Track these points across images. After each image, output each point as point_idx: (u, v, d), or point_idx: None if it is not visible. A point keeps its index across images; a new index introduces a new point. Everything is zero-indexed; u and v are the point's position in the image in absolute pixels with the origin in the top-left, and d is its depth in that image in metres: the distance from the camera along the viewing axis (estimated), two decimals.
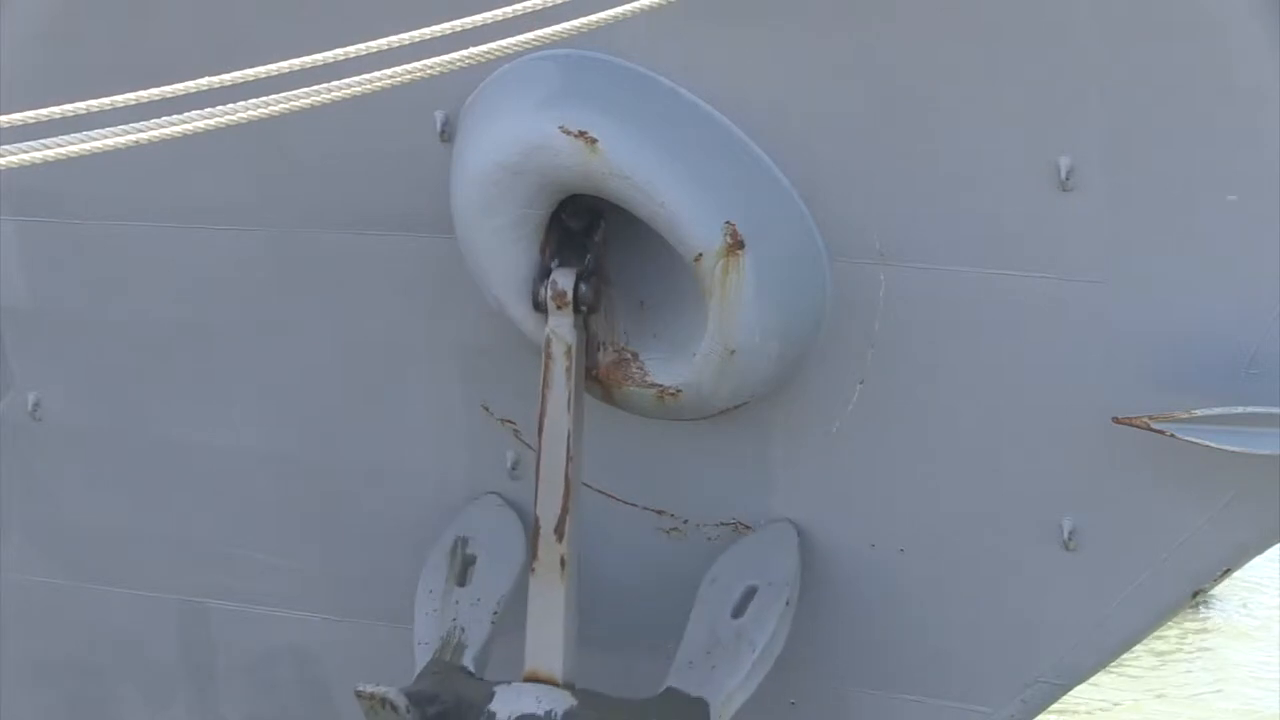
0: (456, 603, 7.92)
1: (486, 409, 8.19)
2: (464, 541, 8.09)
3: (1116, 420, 7.11)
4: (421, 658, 7.82)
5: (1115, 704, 14.84)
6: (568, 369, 7.45)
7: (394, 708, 7.29)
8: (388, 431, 8.37)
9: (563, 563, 7.50)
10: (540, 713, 7.39)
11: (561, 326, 7.45)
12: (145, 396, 8.77)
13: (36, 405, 8.97)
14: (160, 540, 8.90)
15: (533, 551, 7.58)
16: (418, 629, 7.91)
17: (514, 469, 8.17)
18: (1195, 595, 7.60)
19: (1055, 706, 7.92)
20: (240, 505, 8.72)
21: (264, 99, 4.63)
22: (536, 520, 7.55)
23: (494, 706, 7.42)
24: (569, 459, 7.47)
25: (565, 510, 7.47)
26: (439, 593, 7.95)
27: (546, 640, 7.53)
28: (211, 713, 9.02)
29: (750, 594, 7.72)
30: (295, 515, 8.65)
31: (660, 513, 8.06)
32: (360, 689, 7.33)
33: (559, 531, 7.49)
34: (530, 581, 7.58)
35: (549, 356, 7.45)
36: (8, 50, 8.26)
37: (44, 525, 9.12)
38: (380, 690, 7.31)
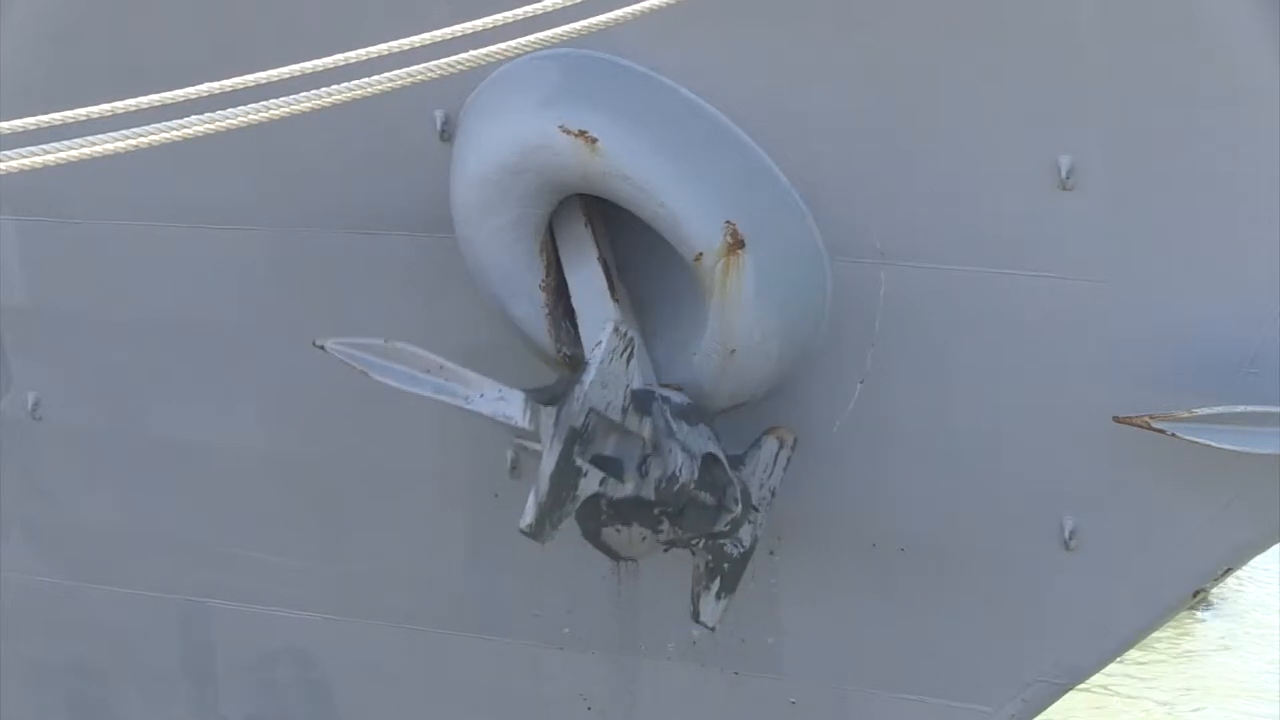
0: None
1: None
2: None
3: (1117, 420, 7.12)
4: None
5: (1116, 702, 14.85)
6: None
7: None
8: (388, 431, 8.37)
9: None
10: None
11: None
12: (145, 396, 8.78)
13: (36, 405, 8.98)
14: (160, 540, 8.91)
15: None
16: None
17: (514, 469, 8.17)
18: (1195, 595, 7.60)
19: (1056, 706, 7.94)
20: (240, 505, 8.73)
21: (264, 103, 4.63)
22: None
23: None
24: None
25: None
26: None
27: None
28: (211, 713, 9.03)
29: None
30: (295, 515, 8.65)
31: None
32: None
33: None
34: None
35: None
36: (8, 52, 8.27)
37: (44, 525, 9.12)
38: None
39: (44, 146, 4.28)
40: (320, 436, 8.50)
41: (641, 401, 7.28)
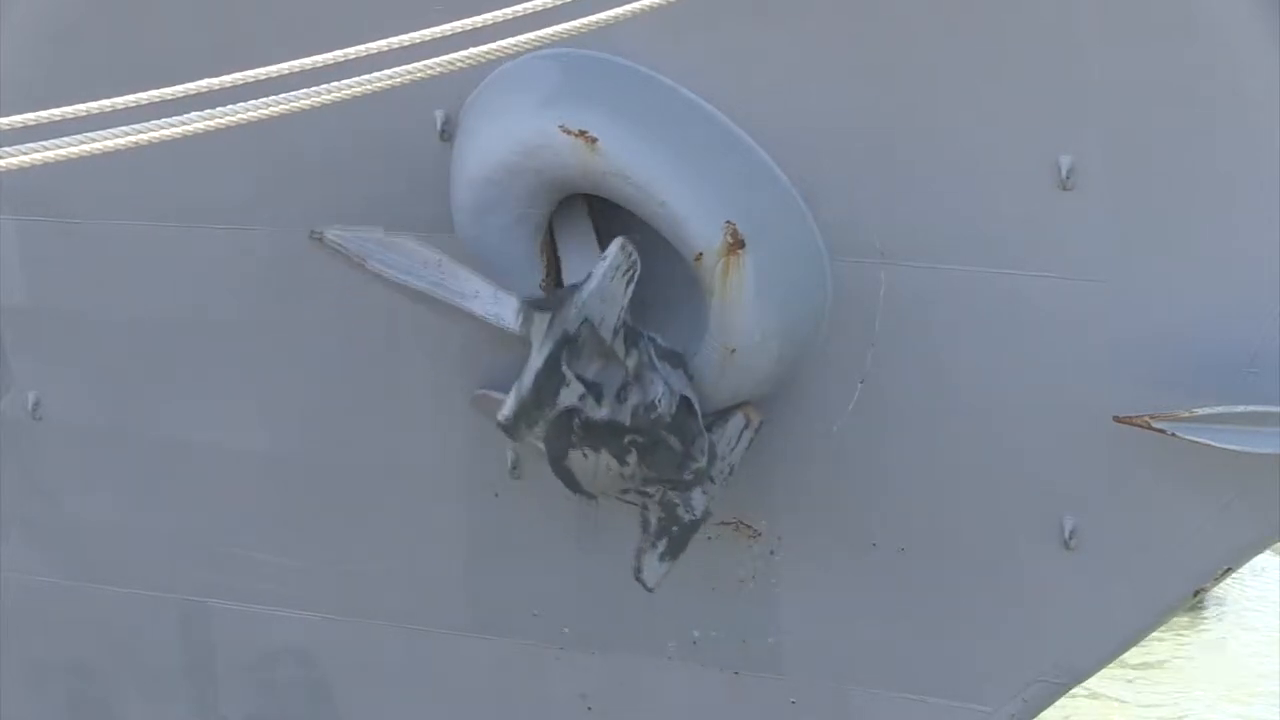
0: None
1: None
2: None
3: (1117, 419, 7.12)
4: None
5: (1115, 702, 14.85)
6: None
7: None
8: (388, 431, 8.37)
9: None
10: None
11: None
12: (145, 396, 8.77)
13: (36, 405, 8.98)
14: (160, 540, 8.90)
15: None
16: None
17: (514, 469, 8.17)
18: (1196, 594, 7.60)
19: (1056, 706, 7.93)
20: (240, 505, 8.72)
21: (264, 100, 4.63)
22: None
23: None
24: None
25: None
26: None
27: None
28: (211, 713, 9.02)
29: None
30: (295, 515, 8.65)
31: None
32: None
33: None
34: None
35: None
36: (8, 50, 8.27)
37: (44, 525, 9.12)
38: None
39: (43, 143, 4.28)
40: (320, 436, 8.50)
41: (630, 334, 7.33)
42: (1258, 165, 6.95)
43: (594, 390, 7.29)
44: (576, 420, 7.32)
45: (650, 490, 7.51)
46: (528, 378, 7.29)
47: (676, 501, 7.53)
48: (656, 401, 7.32)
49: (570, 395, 7.28)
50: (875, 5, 7.21)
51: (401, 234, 7.56)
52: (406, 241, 7.54)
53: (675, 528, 7.59)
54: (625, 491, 7.55)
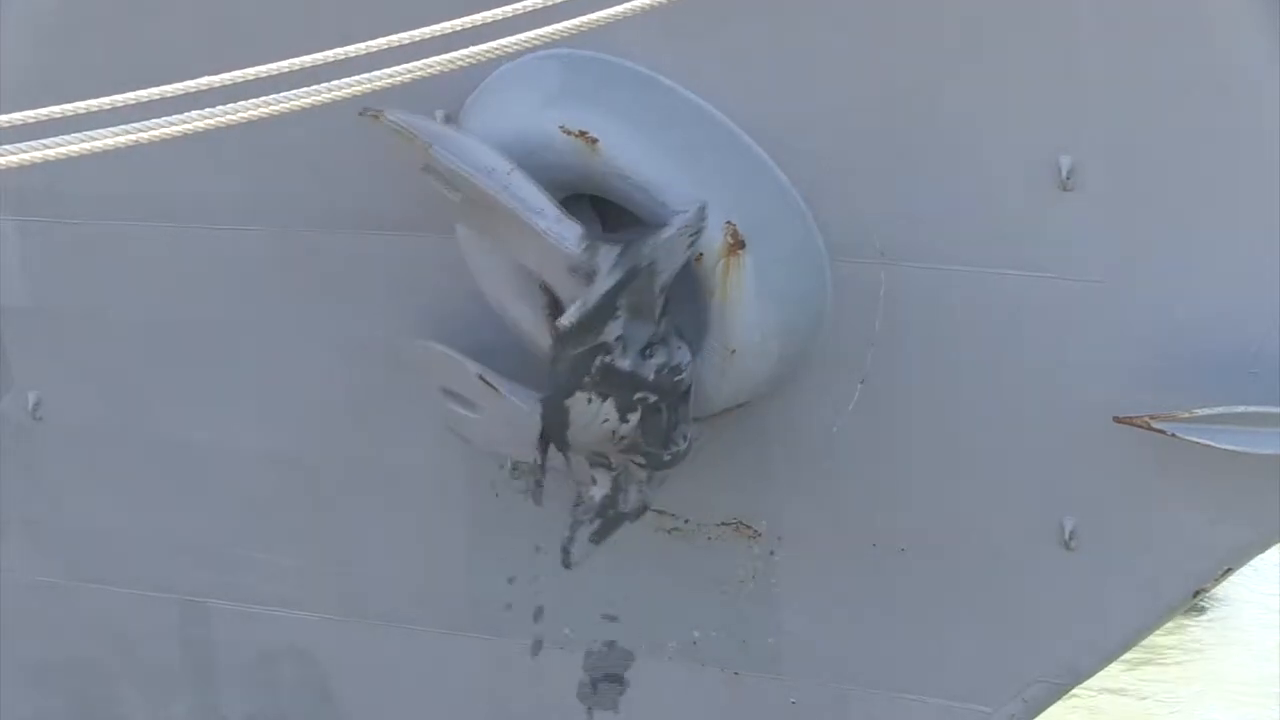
0: None
1: None
2: None
3: (1117, 420, 7.11)
4: None
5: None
6: None
7: None
8: (388, 431, 8.37)
9: None
10: None
11: None
12: (145, 396, 8.78)
13: (37, 405, 8.98)
14: (160, 540, 8.90)
15: None
16: None
17: (514, 469, 8.17)
18: (1196, 595, 7.60)
19: (1056, 706, 7.93)
20: (240, 505, 8.72)
21: (264, 99, 4.63)
22: None
23: None
24: None
25: None
26: None
27: None
28: (211, 713, 9.02)
29: None
30: (295, 515, 8.65)
31: (660, 513, 8.06)
32: None
33: None
34: None
35: None
36: (8, 50, 8.26)
37: (44, 525, 9.12)
38: None
39: (42, 141, 4.27)
40: (320, 436, 8.50)
41: (666, 300, 7.31)
42: (1258, 165, 6.95)
43: (627, 337, 7.27)
44: (600, 360, 7.29)
45: (616, 463, 7.49)
46: (593, 296, 7.20)
47: (623, 488, 7.52)
48: (682, 366, 7.31)
49: (614, 330, 7.21)
50: (875, 5, 7.21)
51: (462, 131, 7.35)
52: (475, 140, 7.34)
53: (612, 512, 7.59)
54: (596, 455, 7.52)
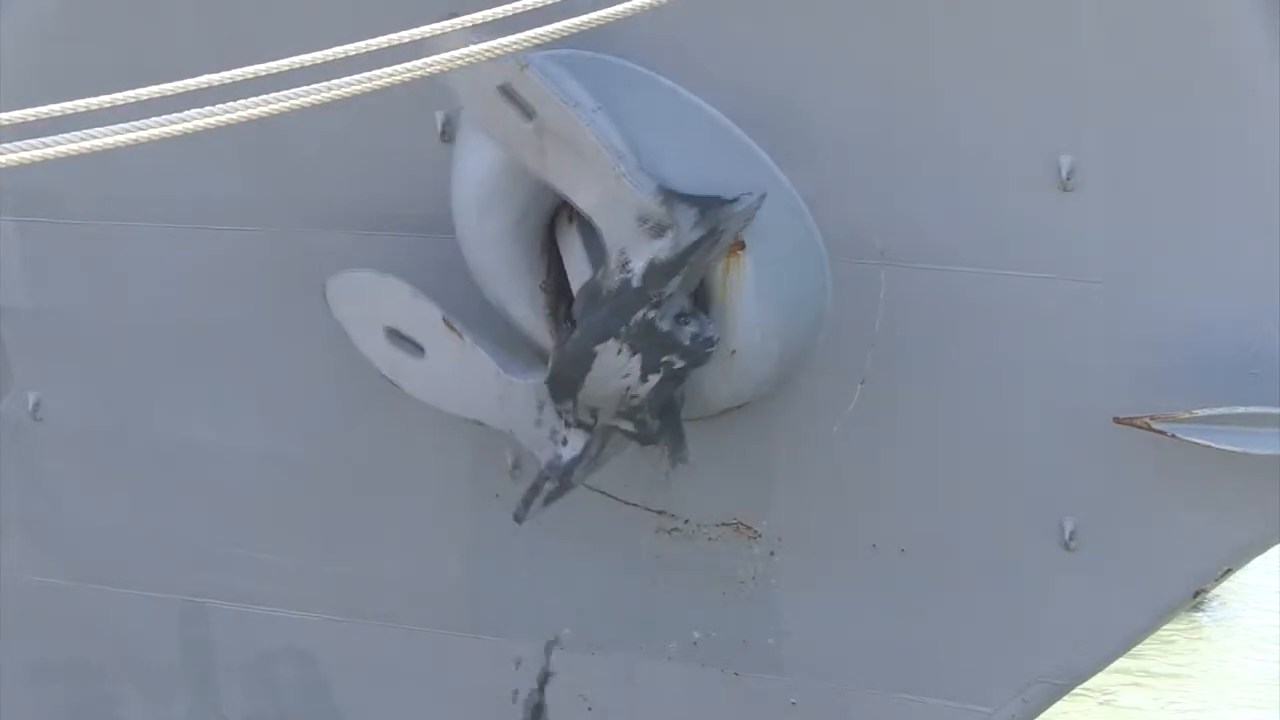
0: None
1: None
2: None
3: (1117, 420, 7.12)
4: None
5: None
6: None
7: None
8: (388, 432, 8.37)
9: None
10: None
11: None
12: (145, 396, 8.77)
13: (37, 405, 8.98)
14: (160, 540, 8.90)
15: None
16: None
17: (514, 469, 8.17)
18: (1196, 595, 7.60)
19: (1056, 707, 7.93)
20: (240, 505, 8.72)
21: (263, 97, 4.63)
22: None
23: None
24: None
25: None
26: None
27: None
28: (212, 713, 9.02)
29: None
30: (295, 515, 8.65)
31: (660, 513, 8.06)
32: None
33: None
34: None
35: None
36: (8, 50, 8.26)
37: (44, 525, 9.12)
38: None
39: (42, 140, 4.27)
40: (320, 436, 8.50)
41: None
42: (1258, 165, 6.95)
43: (672, 298, 7.27)
44: (644, 314, 7.27)
45: (614, 424, 7.49)
46: (678, 248, 7.16)
47: (591, 454, 7.56)
48: (713, 339, 7.31)
49: (673, 284, 7.22)
50: (876, 5, 7.21)
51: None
52: (566, 71, 7.27)
53: (565, 478, 7.61)
54: (591, 427, 7.52)
